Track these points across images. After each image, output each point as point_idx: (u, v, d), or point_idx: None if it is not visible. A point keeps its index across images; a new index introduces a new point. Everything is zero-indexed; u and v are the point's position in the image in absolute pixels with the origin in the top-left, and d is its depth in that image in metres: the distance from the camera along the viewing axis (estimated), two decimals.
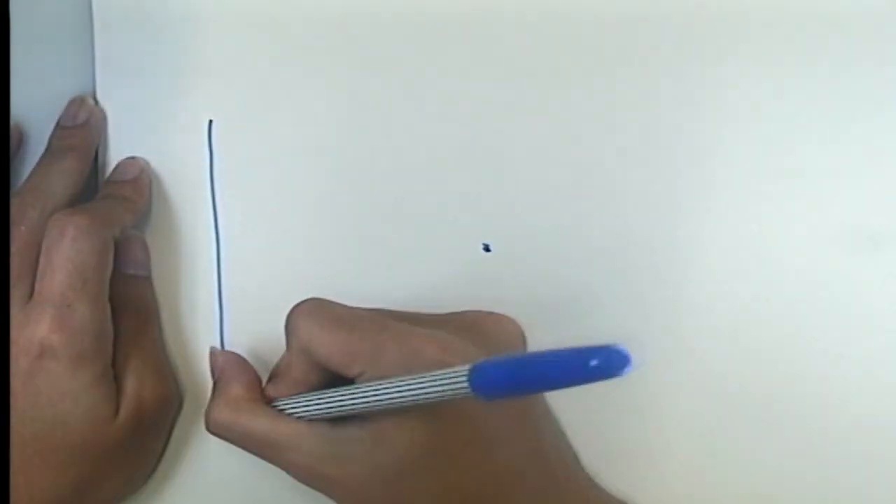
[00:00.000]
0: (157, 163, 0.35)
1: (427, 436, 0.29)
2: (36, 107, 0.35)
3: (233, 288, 0.35)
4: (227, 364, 0.33)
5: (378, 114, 0.35)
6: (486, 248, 0.35)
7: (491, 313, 0.32)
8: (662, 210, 0.35)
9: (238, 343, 0.35)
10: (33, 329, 0.31)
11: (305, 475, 0.31)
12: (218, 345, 0.36)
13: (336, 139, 0.35)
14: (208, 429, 0.32)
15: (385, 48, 0.35)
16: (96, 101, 0.35)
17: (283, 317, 0.35)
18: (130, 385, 0.33)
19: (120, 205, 0.34)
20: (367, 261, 0.35)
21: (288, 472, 0.31)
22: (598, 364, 0.21)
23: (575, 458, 0.33)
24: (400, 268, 0.35)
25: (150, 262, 0.35)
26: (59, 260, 0.31)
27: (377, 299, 0.35)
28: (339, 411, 0.29)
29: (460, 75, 0.35)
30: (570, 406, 0.34)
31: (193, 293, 0.35)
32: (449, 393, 0.25)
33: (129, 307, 0.34)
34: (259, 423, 0.31)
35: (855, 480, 0.36)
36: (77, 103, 0.35)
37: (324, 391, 0.30)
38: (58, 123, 0.35)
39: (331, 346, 0.30)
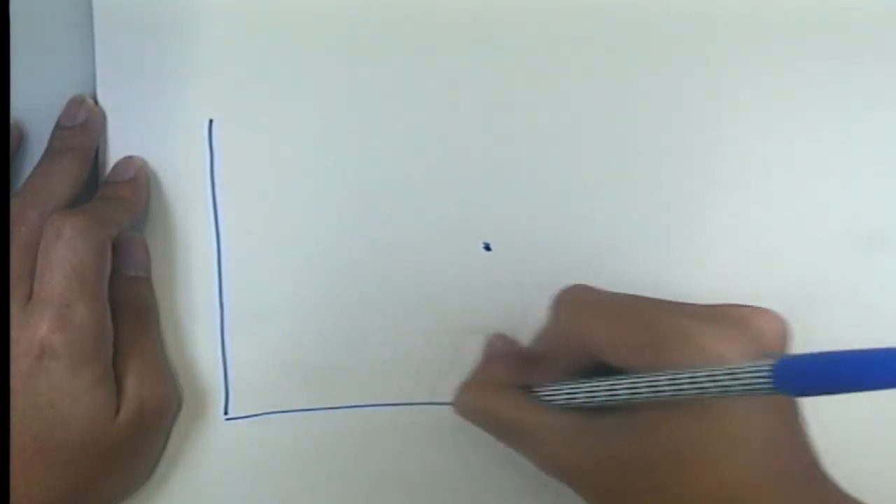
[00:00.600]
0: (157, 163, 0.35)
1: (685, 433, 0.28)
2: (36, 107, 0.35)
3: (233, 288, 0.35)
4: (494, 348, 0.34)
5: (379, 113, 0.35)
6: (487, 247, 0.35)
7: (758, 308, 0.30)
8: (663, 210, 0.35)
9: (238, 344, 0.35)
10: (33, 329, 0.31)
11: (551, 464, 0.30)
12: (219, 348, 0.35)
13: (336, 139, 0.35)
14: (458, 411, 0.32)
15: (386, 48, 0.35)
16: (96, 101, 0.35)
17: (284, 317, 0.35)
18: (131, 386, 0.33)
19: (118, 205, 0.34)
20: (368, 260, 0.35)
21: (532, 459, 0.31)
22: None
23: (829, 475, 0.31)
24: (401, 266, 0.35)
25: (150, 263, 0.35)
26: (57, 260, 0.31)
27: (378, 298, 0.35)
28: (608, 401, 0.28)
29: (461, 74, 0.35)
30: None
31: (193, 293, 0.35)
32: (747, 388, 0.24)
33: (129, 308, 0.34)
34: (512, 409, 0.31)
35: (855, 478, 0.36)
36: (76, 103, 0.35)
37: (591, 380, 0.29)
38: (57, 124, 0.35)
39: (606, 336, 0.29)
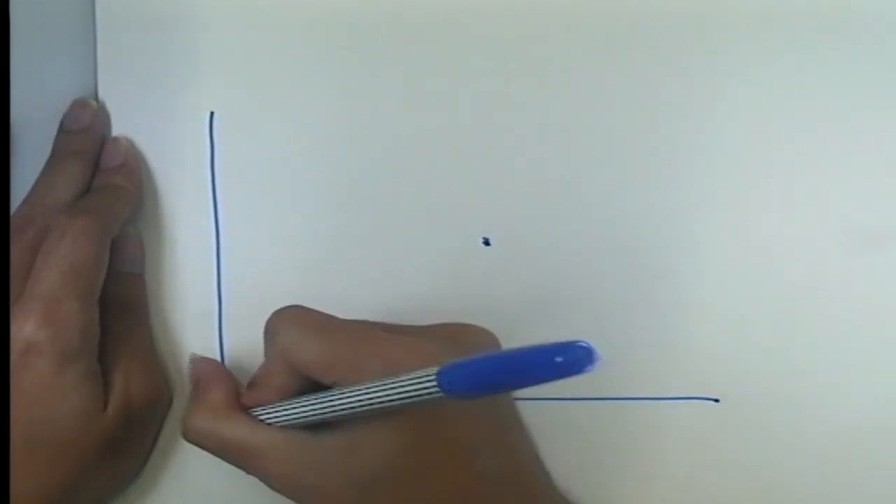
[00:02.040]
0: (157, 155, 0.35)
1: (404, 444, 0.29)
2: (36, 106, 0.35)
3: (232, 282, 0.35)
4: (205, 371, 0.34)
5: (379, 108, 0.35)
6: (486, 242, 0.35)
7: (468, 325, 0.32)
8: (662, 207, 0.35)
9: (236, 340, 0.35)
10: (20, 325, 0.31)
11: (282, 485, 0.31)
12: (216, 343, 0.35)
13: (337, 133, 0.35)
14: (185, 437, 0.32)
15: (385, 43, 0.35)
16: (98, 101, 0.35)
17: None
18: (119, 382, 0.33)
19: (116, 197, 0.34)
20: (368, 255, 0.35)
21: (265, 481, 0.31)
22: (563, 361, 0.22)
23: (548, 475, 0.34)
24: (400, 261, 0.35)
25: (143, 259, 0.35)
26: (56, 258, 0.31)
27: (377, 292, 0.35)
28: (314, 418, 0.29)
29: (460, 70, 0.35)
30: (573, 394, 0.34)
31: (192, 286, 0.35)
32: (420, 394, 0.25)
33: (120, 304, 0.34)
34: (236, 431, 0.31)
35: (855, 480, 0.35)
36: (80, 106, 0.35)
37: (299, 398, 0.30)
38: (61, 127, 0.35)
39: (310, 353, 0.30)
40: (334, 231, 0.35)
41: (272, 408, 0.31)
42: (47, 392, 0.31)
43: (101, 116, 0.35)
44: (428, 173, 0.35)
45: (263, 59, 0.35)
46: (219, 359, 0.35)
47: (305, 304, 0.35)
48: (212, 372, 0.33)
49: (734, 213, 0.35)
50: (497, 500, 0.30)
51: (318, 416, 0.29)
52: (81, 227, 0.31)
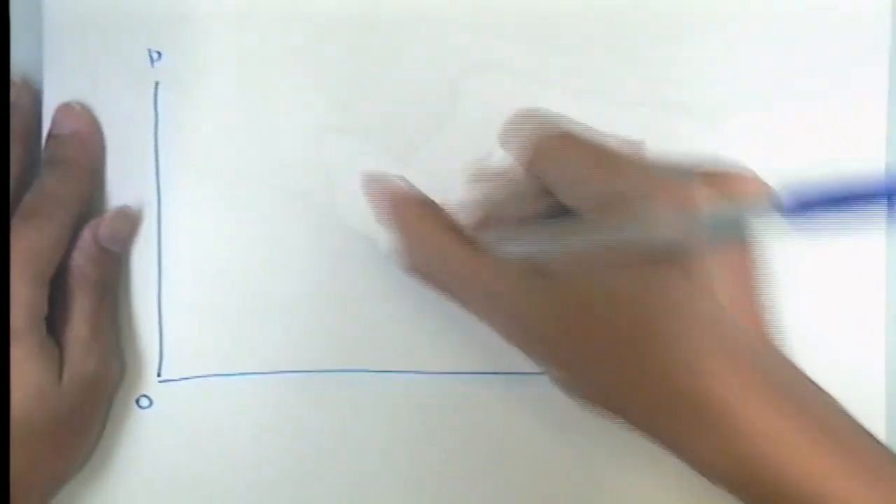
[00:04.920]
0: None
1: (666, 299, 0.25)
2: None
3: (171, 252, 0.35)
4: (401, 195, 0.30)
5: (329, 84, 0.35)
6: None
7: (740, 173, 0.28)
8: None
9: (177, 315, 0.35)
10: None
11: (518, 333, 0.28)
12: (154, 308, 0.35)
13: (282, 107, 0.35)
14: (406, 270, 0.29)
15: (339, 19, 0.35)
16: (22, 77, 0.35)
17: (224, 287, 0.35)
18: (75, 355, 0.33)
19: (70, 176, 0.33)
20: (309, 228, 0.35)
21: (491, 324, 0.28)
22: None
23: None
24: (342, 232, 0.35)
25: (130, 240, 0.35)
26: (14, 240, 0.31)
27: (316, 265, 0.35)
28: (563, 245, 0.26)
29: (445, 53, 0.35)
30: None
31: (132, 257, 0.35)
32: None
33: (91, 280, 0.33)
34: (466, 263, 0.28)
35: None
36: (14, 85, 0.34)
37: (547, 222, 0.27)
38: None
39: (589, 188, 0.27)
40: (275, 203, 0.35)
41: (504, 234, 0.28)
42: None
43: (30, 96, 0.34)
44: (396, 164, 0.34)
45: (210, 32, 0.35)
46: (157, 330, 0.35)
47: (246, 279, 0.35)
48: (413, 196, 0.30)
49: None
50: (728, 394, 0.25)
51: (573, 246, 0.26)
52: (42, 214, 0.32)
